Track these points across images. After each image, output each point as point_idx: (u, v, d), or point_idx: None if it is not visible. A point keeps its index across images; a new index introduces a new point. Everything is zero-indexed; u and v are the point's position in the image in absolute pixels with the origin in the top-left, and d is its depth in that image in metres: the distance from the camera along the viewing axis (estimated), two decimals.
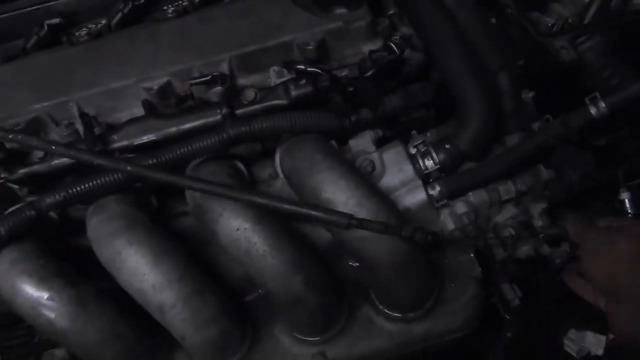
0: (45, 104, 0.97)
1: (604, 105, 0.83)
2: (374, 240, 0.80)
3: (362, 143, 0.97)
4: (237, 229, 0.80)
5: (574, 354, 1.17)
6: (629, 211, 1.08)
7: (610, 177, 1.09)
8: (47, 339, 0.97)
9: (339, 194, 0.81)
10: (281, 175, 0.94)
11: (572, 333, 1.18)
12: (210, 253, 0.93)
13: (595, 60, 0.95)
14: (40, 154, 0.94)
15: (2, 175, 0.88)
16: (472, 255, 0.96)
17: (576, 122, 0.84)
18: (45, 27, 1.07)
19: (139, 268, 0.80)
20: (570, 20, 0.99)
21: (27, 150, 0.94)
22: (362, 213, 0.80)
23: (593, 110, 0.83)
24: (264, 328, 0.93)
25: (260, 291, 0.95)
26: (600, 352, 1.11)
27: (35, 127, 0.97)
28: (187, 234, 0.95)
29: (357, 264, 0.95)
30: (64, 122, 0.97)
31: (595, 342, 1.13)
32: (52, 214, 0.91)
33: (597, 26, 0.96)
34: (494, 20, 1.02)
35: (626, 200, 1.09)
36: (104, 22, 1.09)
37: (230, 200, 0.82)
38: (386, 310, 0.91)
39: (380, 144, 0.98)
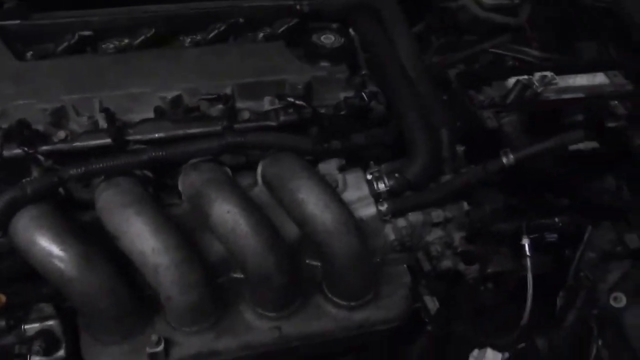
0: (73, 96, 1.15)
1: (512, 156, 1.13)
2: (335, 234, 1.03)
3: (328, 167, 1.20)
4: (228, 212, 1.00)
5: None
6: (527, 253, 1.37)
7: (514, 228, 1.39)
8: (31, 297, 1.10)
9: (312, 196, 1.03)
10: (260, 183, 1.16)
11: (475, 352, 1.42)
12: (193, 238, 1.12)
13: (511, 130, 1.26)
14: (62, 135, 1.12)
15: (32, 150, 1.05)
16: (405, 266, 1.20)
17: (493, 168, 1.14)
18: (77, 37, 1.28)
19: (143, 233, 0.97)
20: (496, 100, 1.32)
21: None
22: (328, 213, 1.03)
23: (505, 160, 1.13)
24: (231, 304, 1.11)
25: (231, 274, 1.14)
26: None
27: (59, 114, 1.15)
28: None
29: (314, 263, 1.16)
30: (85, 114, 1.16)
31: (492, 358, 1.37)
32: (60, 189, 1.09)
33: (514, 107, 1.29)
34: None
35: (526, 245, 1.37)
36: (127, 41, 1.31)
37: (224, 190, 1.03)
38: (334, 299, 1.11)
39: (342, 170, 1.22)
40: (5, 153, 1.07)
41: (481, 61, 1.66)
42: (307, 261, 1.17)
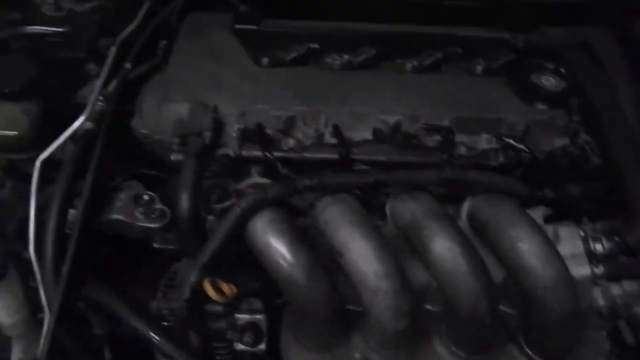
0: (305, 108, 1.22)
1: None
2: (552, 291, 1.00)
3: (535, 215, 1.18)
4: (449, 249, 1.02)
5: None
6: None
7: None
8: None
9: (534, 247, 1.02)
10: (464, 220, 1.16)
11: None
12: None
13: None
14: (292, 143, 1.19)
15: (271, 155, 1.13)
16: (604, 333, 1.15)
17: None
18: (307, 48, 1.35)
19: (368, 255, 1.01)
20: None
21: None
22: (549, 268, 1.01)
23: None
24: (423, 338, 1.12)
25: (424, 305, 1.15)
26: None
27: (290, 123, 1.22)
28: None
29: (509, 311, 1.14)
30: (313, 126, 1.22)
31: None
32: None
33: None
34: None
35: None
36: (347, 57, 1.36)
37: (446, 225, 1.04)
38: (531, 353, 1.09)
39: (547, 221, 1.19)
40: (244, 152, 1.16)
41: None
42: (501, 307, 1.15)
